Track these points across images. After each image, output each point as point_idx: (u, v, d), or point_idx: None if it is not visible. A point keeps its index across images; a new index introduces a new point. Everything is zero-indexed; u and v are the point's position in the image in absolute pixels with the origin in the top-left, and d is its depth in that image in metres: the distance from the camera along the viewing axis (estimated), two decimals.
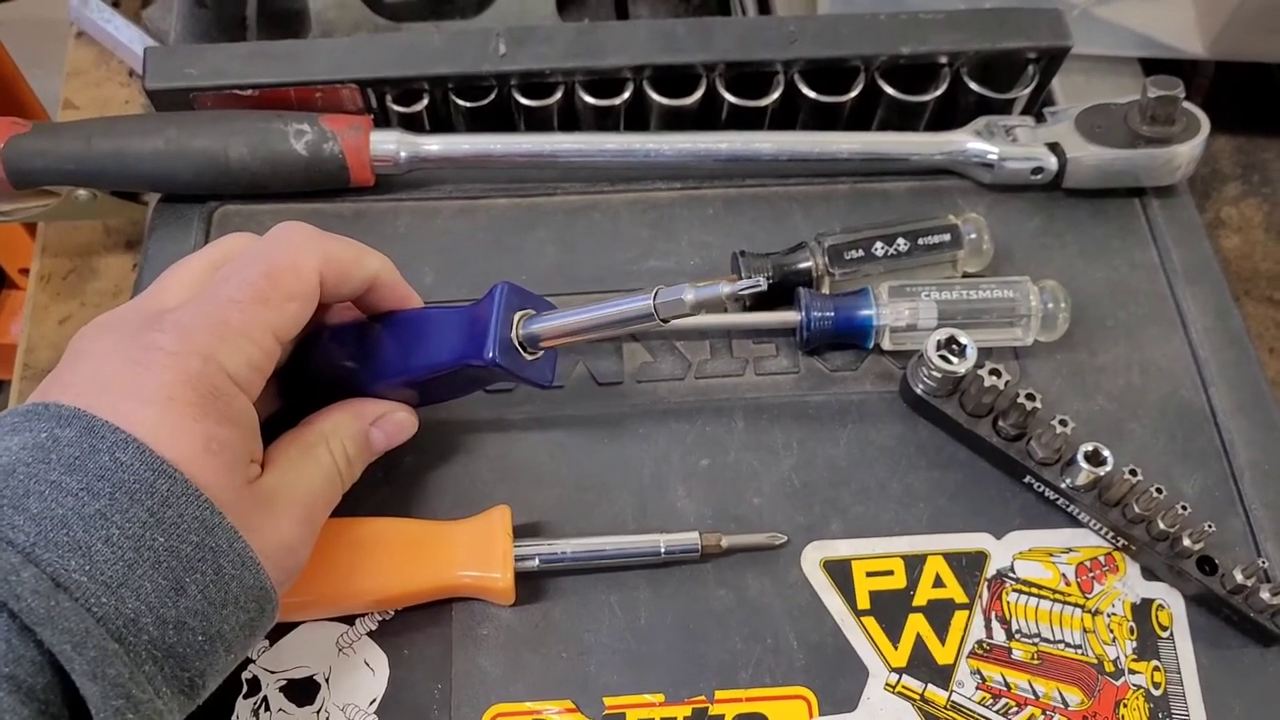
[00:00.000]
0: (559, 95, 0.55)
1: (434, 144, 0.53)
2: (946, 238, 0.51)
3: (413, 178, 0.54)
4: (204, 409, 0.35)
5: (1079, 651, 0.45)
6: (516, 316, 0.41)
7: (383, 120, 0.55)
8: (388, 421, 0.43)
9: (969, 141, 0.54)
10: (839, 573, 0.46)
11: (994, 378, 0.45)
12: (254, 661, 0.43)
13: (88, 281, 0.68)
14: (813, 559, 0.46)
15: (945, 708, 0.43)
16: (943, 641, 0.44)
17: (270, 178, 0.52)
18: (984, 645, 0.44)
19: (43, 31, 0.86)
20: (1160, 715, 0.44)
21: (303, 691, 0.43)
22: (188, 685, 0.34)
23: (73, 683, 0.30)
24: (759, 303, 0.51)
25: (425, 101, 0.54)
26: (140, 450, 0.33)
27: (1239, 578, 0.44)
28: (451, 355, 0.41)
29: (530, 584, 0.44)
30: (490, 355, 0.40)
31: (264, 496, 0.37)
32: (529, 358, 0.41)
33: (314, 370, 0.44)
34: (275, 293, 0.38)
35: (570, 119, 0.57)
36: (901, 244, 0.50)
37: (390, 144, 0.52)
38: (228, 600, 0.34)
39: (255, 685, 0.43)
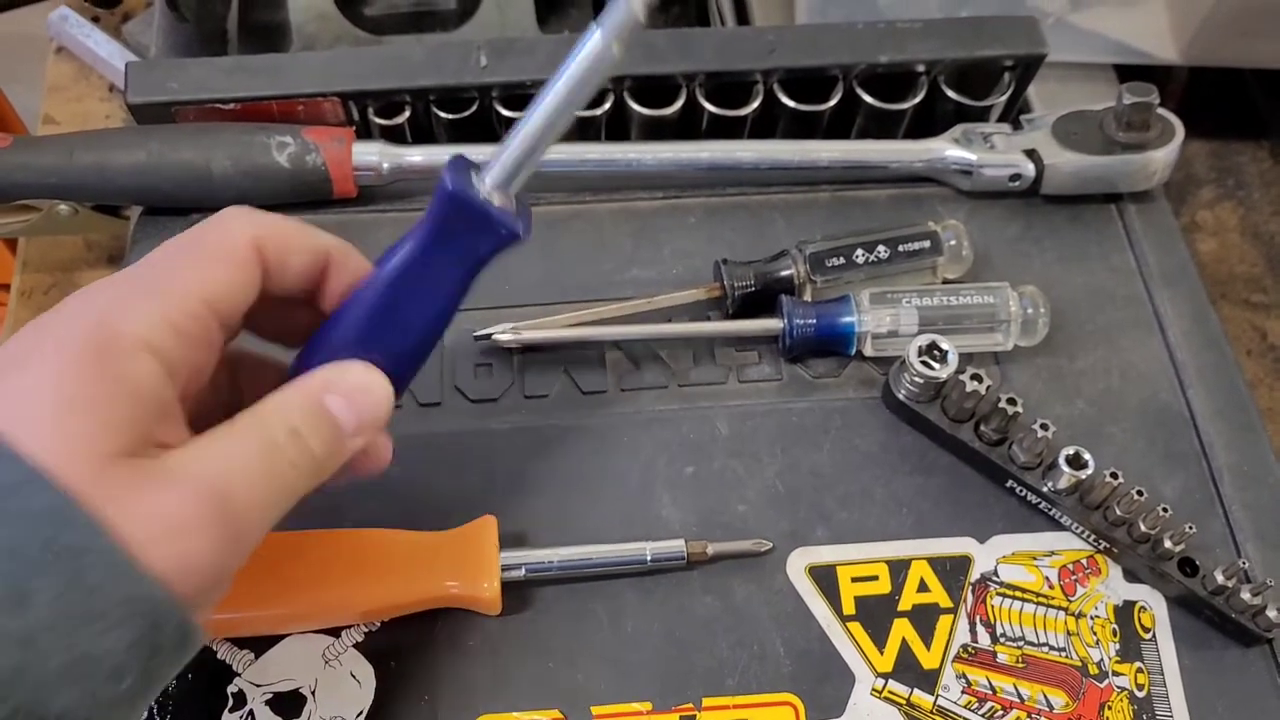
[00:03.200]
0: None
1: (416, 155, 0.53)
2: (926, 244, 0.51)
3: (395, 189, 0.54)
4: (80, 366, 0.29)
5: (1063, 654, 0.45)
6: (472, 173, 0.37)
7: (364, 133, 0.55)
8: (341, 383, 0.35)
9: (948, 149, 0.55)
10: (824, 578, 0.46)
11: (975, 383, 0.46)
12: (239, 675, 0.43)
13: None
14: (798, 565, 0.46)
15: (931, 712, 0.43)
16: (928, 646, 0.45)
17: (253, 190, 0.52)
18: (969, 649, 0.45)
19: (21, 47, 0.86)
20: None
21: (289, 704, 0.42)
22: None
23: None
24: (741, 311, 0.51)
25: (407, 114, 0.54)
26: None
27: (1220, 579, 0.44)
28: (424, 226, 0.36)
29: (517, 594, 0.44)
30: (476, 193, 0.36)
31: (151, 470, 0.30)
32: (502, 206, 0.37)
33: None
34: (199, 252, 0.34)
35: None
36: (882, 251, 0.51)
37: (373, 155, 0.52)
38: (94, 614, 0.27)
39: (241, 699, 0.42)
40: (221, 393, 0.38)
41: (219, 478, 0.31)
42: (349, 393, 0.35)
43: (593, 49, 0.34)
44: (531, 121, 0.36)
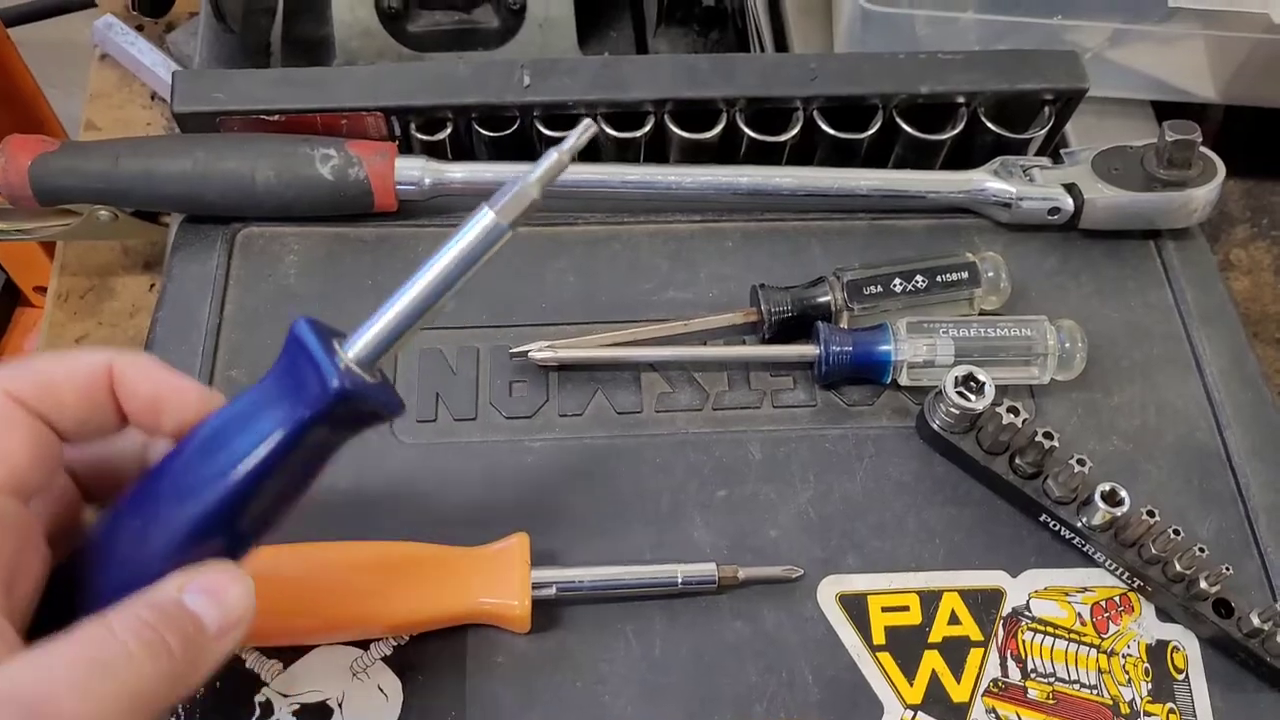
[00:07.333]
0: None
1: (458, 171, 0.53)
2: (964, 275, 0.51)
3: (436, 204, 0.54)
4: None
5: (1094, 692, 0.44)
6: (334, 343, 0.33)
7: (406, 148, 0.56)
8: (203, 580, 0.32)
9: (988, 181, 0.55)
10: (855, 607, 0.45)
11: (1012, 415, 0.46)
12: (267, 685, 0.43)
13: (105, 301, 0.68)
14: (828, 593, 0.46)
15: None
16: (958, 679, 0.44)
17: (295, 201, 0.52)
18: (999, 684, 0.44)
19: (66, 53, 0.87)
20: None
21: (316, 716, 0.42)
22: None
23: None
24: (777, 336, 0.51)
25: (449, 130, 0.55)
26: None
27: (1255, 621, 0.44)
28: (280, 422, 0.32)
29: (546, 612, 0.44)
30: (337, 385, 0.32)
31: None
32: (370, 380, 0.33)
33: (117, 560, 0.33)
34: None
35: (591, 150, 0.57)
36: (920, 280, 0.51)
37: (415, 170, 0.53)
38: None
39: (268, 709, 0.42)
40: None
41: (34, 692, 0.27)
42: (210, 589, 0.32)
43: (484, 230, 0.34)
44: (412, 299, 0.34)
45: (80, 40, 0.80)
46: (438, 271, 0.34)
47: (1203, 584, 0.44)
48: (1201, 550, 0.44)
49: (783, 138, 0.56)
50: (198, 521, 0.32)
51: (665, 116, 0.56)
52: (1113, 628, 0.46)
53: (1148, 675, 0.45)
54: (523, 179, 0.34)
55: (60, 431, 0.33)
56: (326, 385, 0.32)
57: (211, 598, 0.31)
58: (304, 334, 0.33)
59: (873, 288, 0.51)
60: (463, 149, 0.57)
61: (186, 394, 0.34)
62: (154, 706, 0.29)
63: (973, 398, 0.47)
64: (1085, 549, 0.47)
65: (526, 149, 0.57)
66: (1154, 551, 0.45)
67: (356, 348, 0.33)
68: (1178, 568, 0.44)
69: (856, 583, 0.46)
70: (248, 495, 0.32)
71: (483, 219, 0.34)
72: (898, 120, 0.56)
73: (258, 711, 0.42)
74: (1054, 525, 0.47)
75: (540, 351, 0.49)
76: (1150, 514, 0.44)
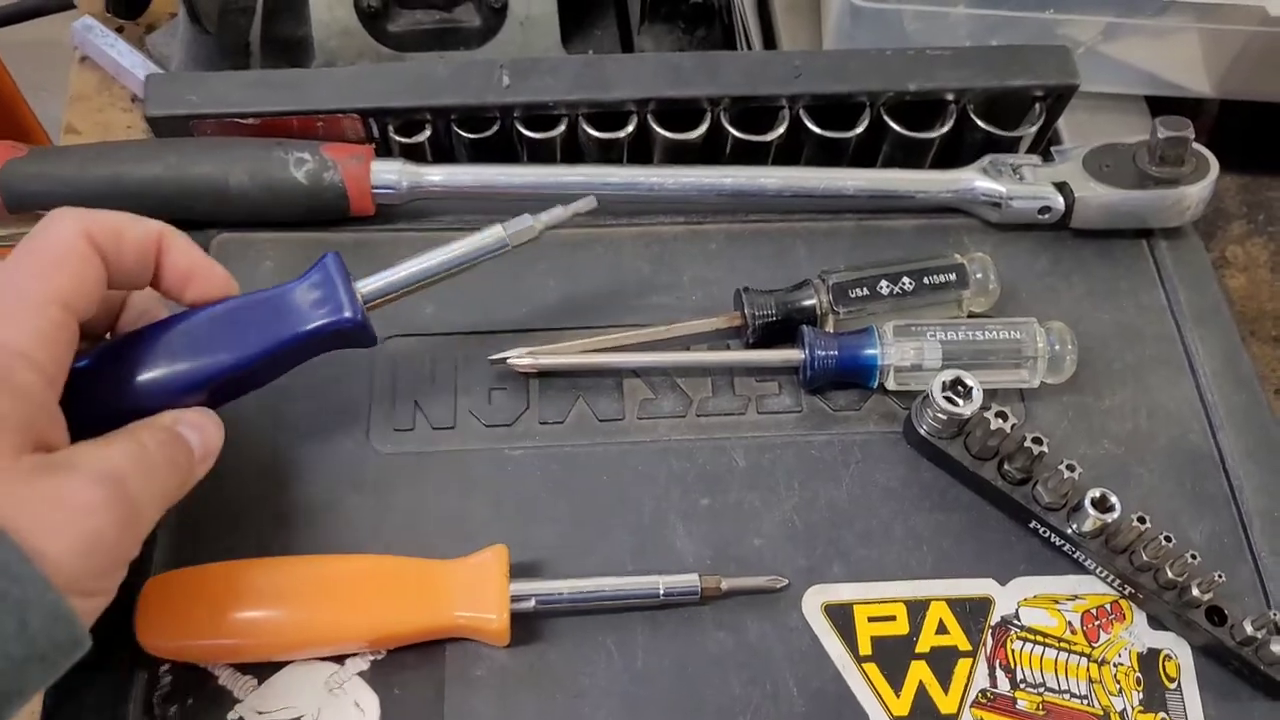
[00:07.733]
0: (562, 128, 0.54)
1: (436, 174, 0.52)
2: (952, 277, 0.50)
3: (414, 208, 0.53)
4: None
5: (1085, 702, 0.44)
6: (353, 281, 0.43)
7: (384, 150, 0.55)
8: (188, 416, 0.40)
9: (977, 180, 0.54)
10: (840, 617, 0.45)
11: (1000, 420, 0.45)
12: (240, 702, 0.42)
13: None
14: (814, 602, 0.45)
15: None
16: (946, 690, 0.43)
17: (270, 206, 0.51)
18: (988, 694, 0.44)
19: (45, 55, 0.86)
20: None
21: None
22: None
23: None
24: (762, 340, 0.50)
25: (428, 132, 0.54)
26: None
27: (1249, 629, 0.43)
28: (300, 323, 0.41)
29: (526, 624, 0.43)
30: (350, 314, 0.42)
31: (51, 463, 0.33)
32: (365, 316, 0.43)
33: (113, 387, 0.40)
34: (40, 261, 0.36)
35: (573, 152, 0.56)
36: (907, 283, 0.50)
37: (392, 174, 0.52)
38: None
39: None
40: None
41: (113, 470, 0.35)
42: (196, 425, 0.40)
43: (493, 239, 0.45)
44: (421, 265, 0.44)
45: (61, 42, 0.79)
46: (445, 256, 0.45)
47: (1195, 591, 0.43)
48: (1194, 557, 0.43)
49: (768, 137, 0.55)
50: (202, 374, 0.40)
51: (648, 116, 0.55)
52: (1103, 636, 0.45)
53: (1139, 684, 0.44)
54: (535, 217, 0.46)
55: (111, 276, 0.38)
56: (343, 311, 0.42)
57: (198, 431, 0.40)
58: (334, 266, 0.43)
59: (859, 290, 0.50)
60: (443, 151, 0.56)
61: (215, 275, 0.42)
62: (164, 507, 0.37)
63: (960, 402, 0.46)
64: (1075, 556, 0.46)
65: (507, 151, 0.56)
66: (1145, 558, 0.44)
67: (366, 290, 0.43)
68: (1169, 575, 0.44)
69: (842, 592, 0.45)
70: (246, 367, 0.41)
71: (494, 232, 0.45)
72: (885, 118, 0.56)
73: None
74: (1044, 532, 0.46)
75: (520, 358, 0.48)
76: (1141, 520, 0.43)
